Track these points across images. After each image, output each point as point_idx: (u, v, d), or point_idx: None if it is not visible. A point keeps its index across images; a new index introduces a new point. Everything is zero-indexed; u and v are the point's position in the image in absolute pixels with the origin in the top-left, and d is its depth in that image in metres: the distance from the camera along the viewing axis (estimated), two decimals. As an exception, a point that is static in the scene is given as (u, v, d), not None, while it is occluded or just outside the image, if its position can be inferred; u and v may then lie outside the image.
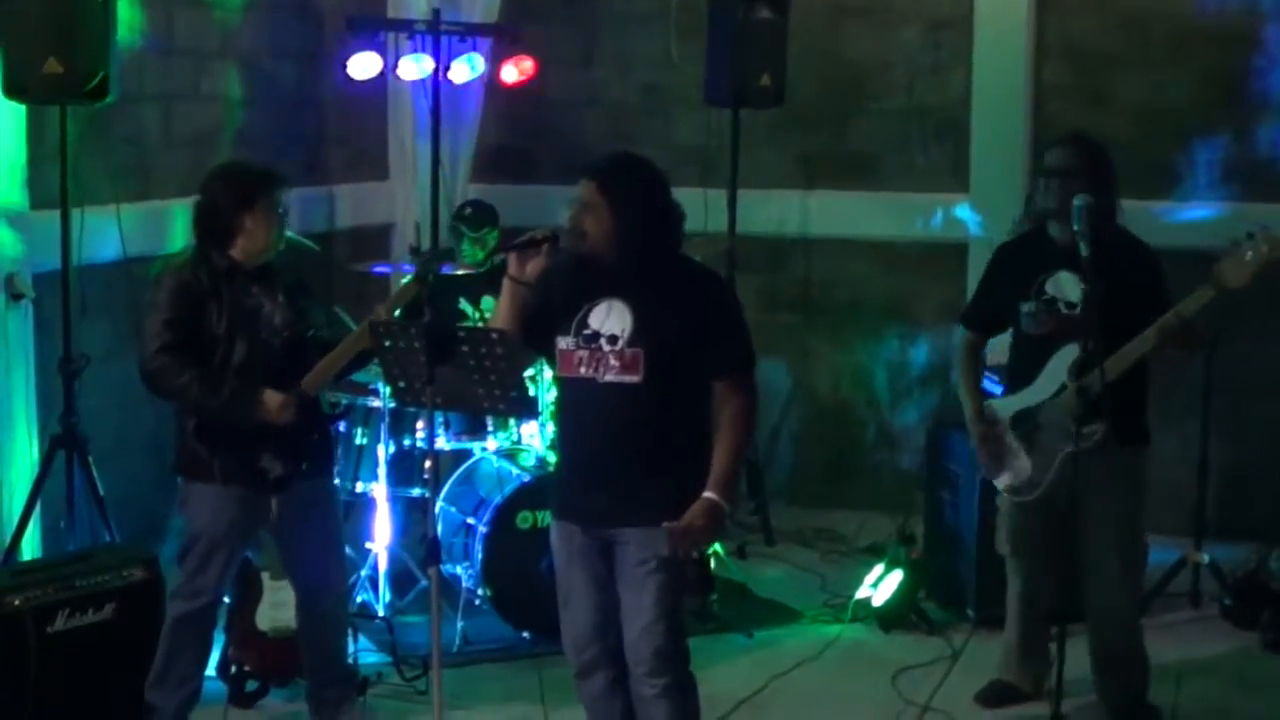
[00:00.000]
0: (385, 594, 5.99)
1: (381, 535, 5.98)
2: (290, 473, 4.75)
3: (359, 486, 6.11)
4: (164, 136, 6.58)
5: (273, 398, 4.63)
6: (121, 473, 5.91)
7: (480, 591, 5.81)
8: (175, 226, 6.19)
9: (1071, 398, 4.83)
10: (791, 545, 7.26)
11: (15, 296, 5.65)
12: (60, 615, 4.81)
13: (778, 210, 7.81)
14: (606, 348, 4.14)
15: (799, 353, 7.94)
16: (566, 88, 8.04)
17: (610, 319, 4.15)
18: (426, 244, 7.00)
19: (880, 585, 6.15)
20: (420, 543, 5.66)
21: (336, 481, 5.47)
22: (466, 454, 6.17)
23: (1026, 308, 4.96)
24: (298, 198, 6.37)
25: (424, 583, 6.03)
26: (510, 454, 6.09)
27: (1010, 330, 5.16)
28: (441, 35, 6.74)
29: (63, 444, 5.55)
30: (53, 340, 5.67)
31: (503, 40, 7.12)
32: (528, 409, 5.43)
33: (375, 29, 6.83)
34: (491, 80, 7.29)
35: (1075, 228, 4.66)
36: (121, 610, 4.94)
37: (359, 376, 5.46)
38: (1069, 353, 4.88)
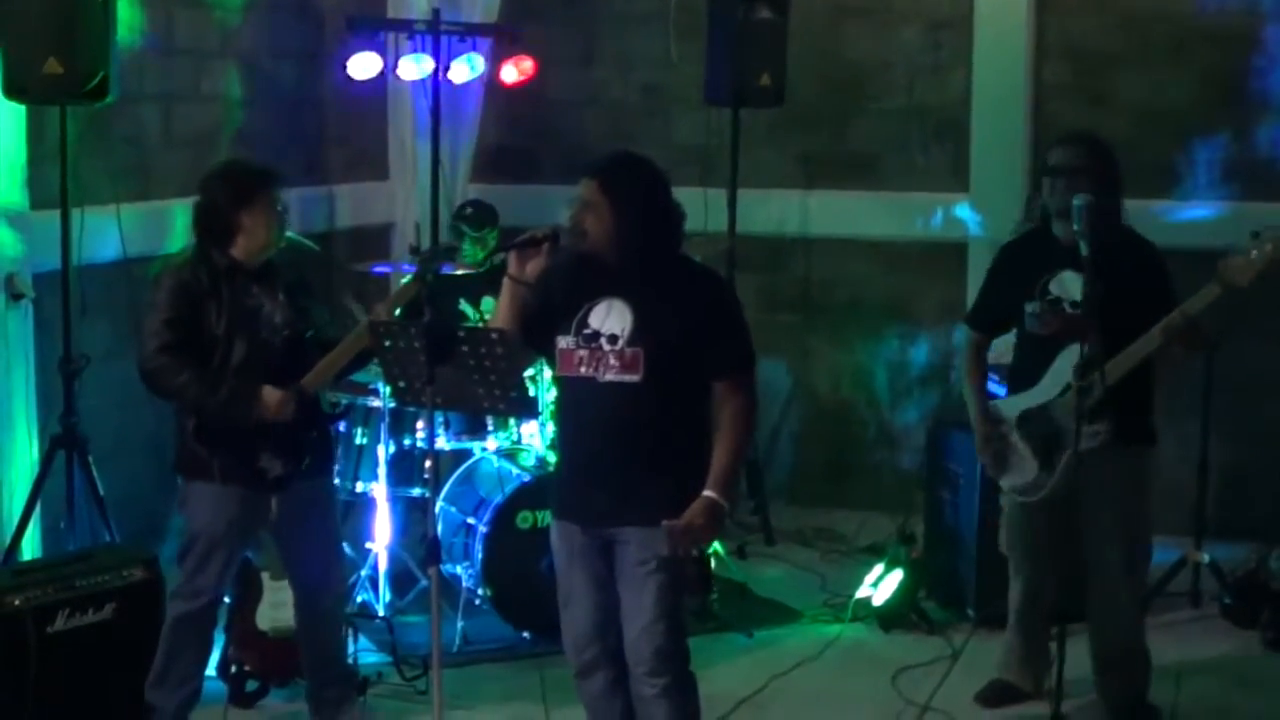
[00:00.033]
0: (385, 594, 5.99)
1: (381, 535, 5.98)
2: (290, 472, 4.75)
3: (359, 486, 6.11)
4: (164, 136, 6.58)
5: (271, 394, 4.63)
6: (121, 473, 5.91)
7: (480, 591, 5.81)
8: (175, 226, 6.19)
9: (1075, 398, 4.83)
10: (791, 545, 7.26)
11: (15, 296, 5.65)
12: (60, 615, 4.81)
13: (778, 210, 7.82)
14: (606, 347, 4.14)
15: (799, 352, 7.94)
16: (566, 88, 8.04)
17: (610, 318, 4.15)
18: (426, 244, 7.00)
19: (880, 585, 6.15)
20: (420, 543, 5.66)
21: (336, 481, 5.48)
22: (466, 454, 6.17)
23: (1031, 308, 4.94)
24: (298, 198, 6.38)
25: (424, 583, 6.03)
26: (510, 454, 6.09)
27: (1013, 330, 5.16)
28: (441, 35, 6.74)
29: (63, 444, 5.55)
30: (53, 340, 5.67)
31: (503, 40, 7.12)
32: (528, 409, 5.43)
33: (375, 29, 6.83)
34: (491, 80, 7.29)
35: (1075, 227, 4.66)
36: (121, 610, 4.94)
37: (359, 376, 5.46)
38: (1074, 353, 4.85)
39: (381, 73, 6.85)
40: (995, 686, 5.40)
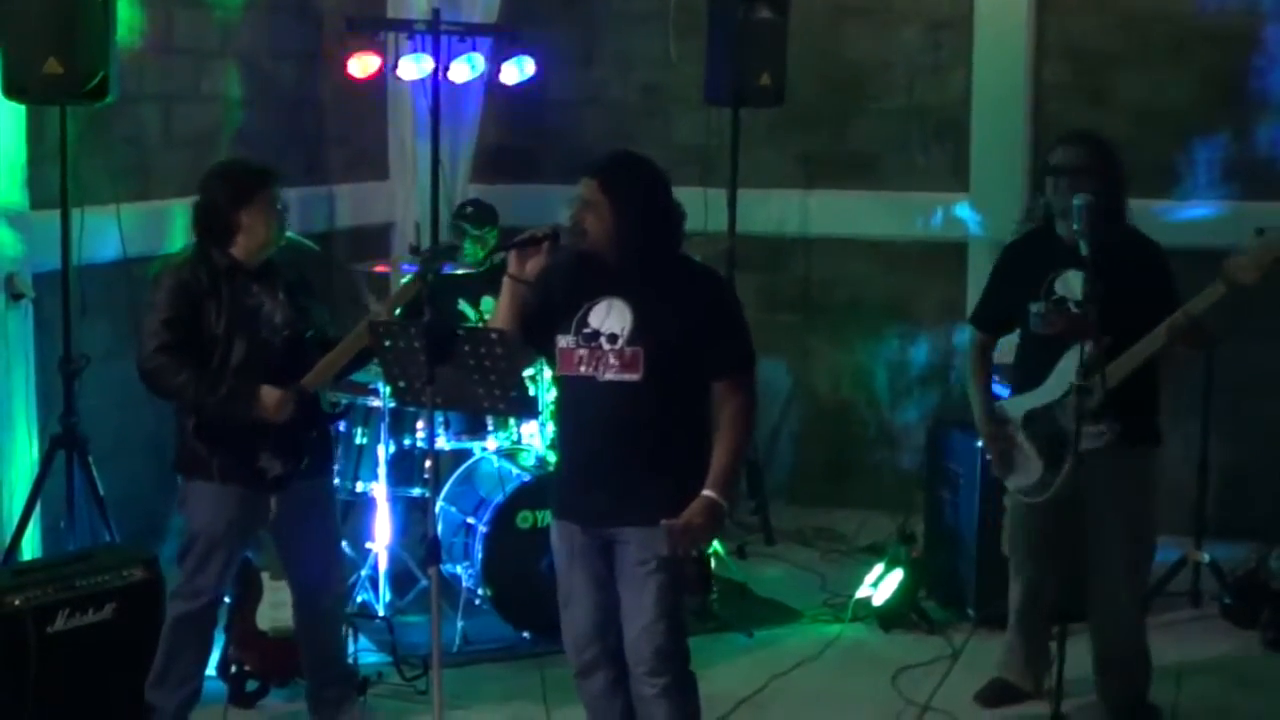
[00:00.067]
0: (385, 594, 5.99)
1: (381, 535, 5.98)
2: (289, 472, 4.75)
3: (359, 486, 6.11)
4: (164, 136, 6.58)
5: (270, 394, 4.63)
6: (121, 473, 5.91)
7: (480, 591, 5.81)
8: (175, 226, 6.19)
9: (1076, 398, 4.82)
10: (791, 545, 7.26)
11: (15, 296, 5.65)
12: (60, 615, 4.81)
13: (778, 210, 7.82)
14: (606, 346, 4.14)
15: (799, 352, 7.94)
16: (566, 88, 8.04)
17: (610, 318, 4.15)
18: (426, 244, 7.00)
19: (880, 585, 6.15)
20: (420, 543, 5.65)
21: (336, 481, 5.47)
22: (466, 454, 6.17)
23: (1036, 308, 4.93)
24: (298, 198, 6.37)
25: (424, 583, 6.03)
26: (510, 454, 6.09)
27: (1016, 330, 5.16)
28: (441, 35, 6.73)
29: (63, 444, 5.54)
30: (53, 340, 5.67)
31: (503, 40, 7.11)
32: (528, 409, 5.43)
33: (375, 29, 6.83)
34: (491, 80, 7.28)
35: (1075, 227, 4.65)
36: (121, 610, 4.94)
37: (359, 376, 5.46)
38: (1079, 353, 4.85)
39: (381, 73, 6.85)
40: (995, 686, 5.40)
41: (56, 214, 5.53)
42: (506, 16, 7.60)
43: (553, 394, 5.34)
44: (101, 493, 5.54)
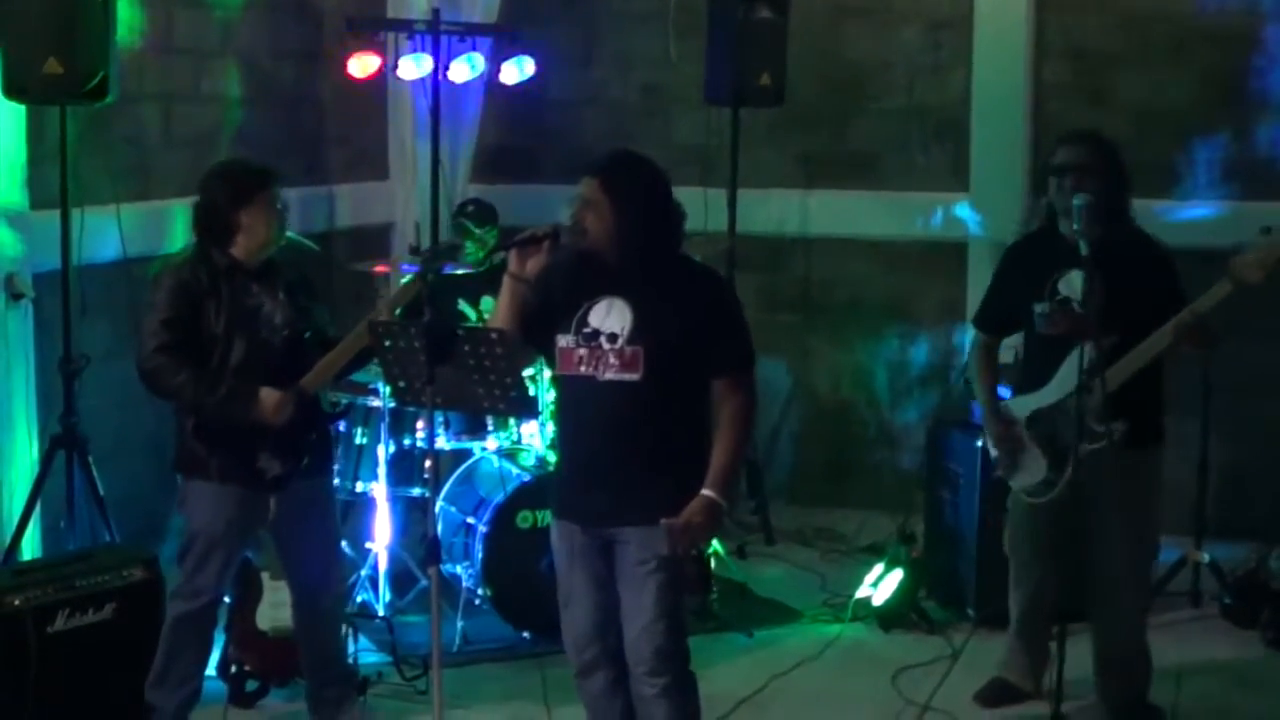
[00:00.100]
0: (385, 594, 5.98)
1: (381, 535, 5.98)
2: (288, 472, 4.75)
3: (359, 486, 6.11)
4: (164, 136, 6.58)
5: (269, 396, 4.62)
6: (121, 473, 5.91)
7: (480, 591, 5.81)
8: (175, 226, 6.19)
9: (1077, 398, 4.82)
10: (791, 545, 7.26)
11: (15, 296, 5.65)
12: (60, 615, 4.81)
13: (777, 210, 7.82)
14: (606, 346, 4.14)
15: (799, 352, 7.94)
16: (566, 88, 8.04)
17: (610, 317, 4.15)
18: (426, 244, 7.00)
19: (880, 585, 6.15)
20: (420, 542, 5.65)
21: (336, 481, 5.47)
22: (466, 454, 6.17)
23: (1040, 308, 4.92)
24: (298, 198, 6.37)
25: (424, 582, 6.03)
26: (510, 454, 6.09)
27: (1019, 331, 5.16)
28: (441, 35, 6.73)
29: (63, 444, 5.55)
30: (53, 340, 5.67)
31: (503, 40, 7.12)
32: (528, 409, 5.43)
33: (375, 29, 6.83)
34: (491, 80, 7.28)
35: (1075, 226, 4.65)
36: (121, 610, 4.94)
37: (359, 376, 5.46)
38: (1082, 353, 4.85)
39: (381, 73, 6.85)
40: (995, 686, 5.40)
41: (56, 214, 5.53)
42: (506, 16, 7.60)
43: (552, 394, 5.34)
44: (101, 493, 5.55)
